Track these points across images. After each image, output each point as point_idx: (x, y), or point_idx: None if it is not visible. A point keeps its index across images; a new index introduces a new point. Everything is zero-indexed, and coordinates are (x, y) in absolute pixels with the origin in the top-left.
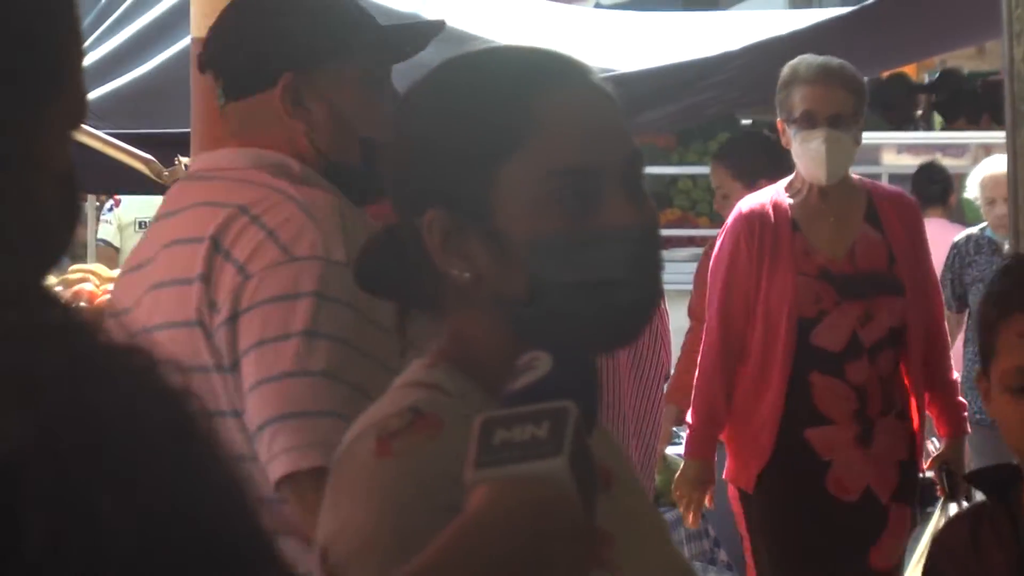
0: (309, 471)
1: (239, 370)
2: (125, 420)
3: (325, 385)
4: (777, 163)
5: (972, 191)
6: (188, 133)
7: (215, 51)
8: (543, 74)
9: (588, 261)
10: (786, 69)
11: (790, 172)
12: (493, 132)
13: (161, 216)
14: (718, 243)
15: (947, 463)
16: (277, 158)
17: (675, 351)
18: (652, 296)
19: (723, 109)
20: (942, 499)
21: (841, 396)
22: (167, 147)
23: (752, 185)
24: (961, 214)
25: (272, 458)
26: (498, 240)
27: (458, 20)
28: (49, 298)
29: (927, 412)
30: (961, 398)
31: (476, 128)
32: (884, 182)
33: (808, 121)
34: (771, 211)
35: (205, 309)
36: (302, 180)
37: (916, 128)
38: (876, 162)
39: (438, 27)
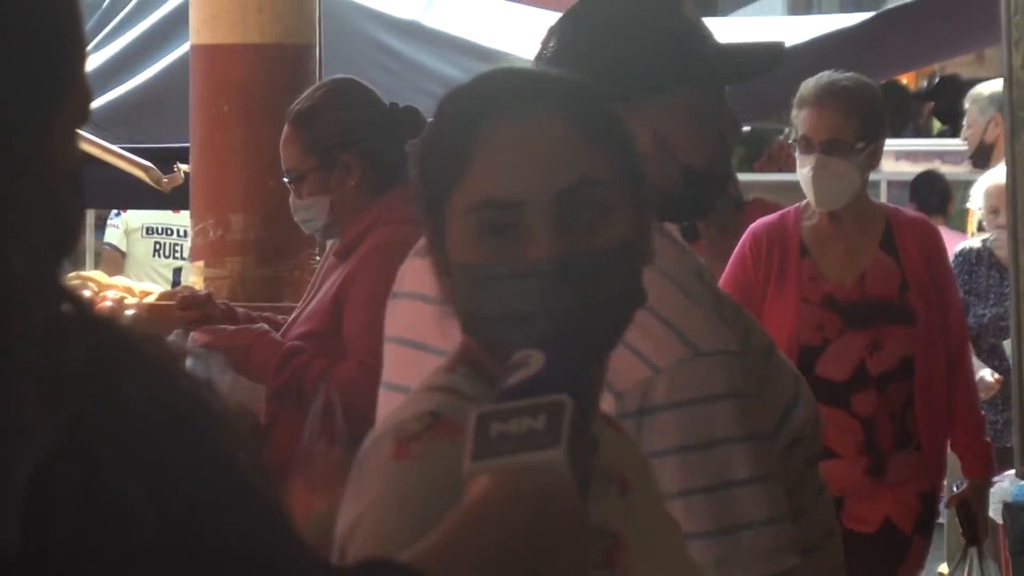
0: None
1: None
2: (151, 412)
3: (753, 493)
4: None
5: (976, 200)
6: (187, 148)
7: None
8: (493, 104)
9: (502, 293)
10: (801, 86)
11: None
12: (445, 163)
13: None
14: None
15: (968, 505)
16: None
17: None
18: (572, 330)
19: None
20: (964, 545)
21: (846, 428)
22: (167, 160)
23: None
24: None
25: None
26: (447, 267)
27: (458, 28)
28: (68, 293)
29: (952, 451)
30: (987, 438)
31: (437, 159)
32: (883, 189)
33: (805, 146)
34: (783, 233)
35: None
36: None
37: (916, 135)
38: (875, 169)
39: (779, 50)
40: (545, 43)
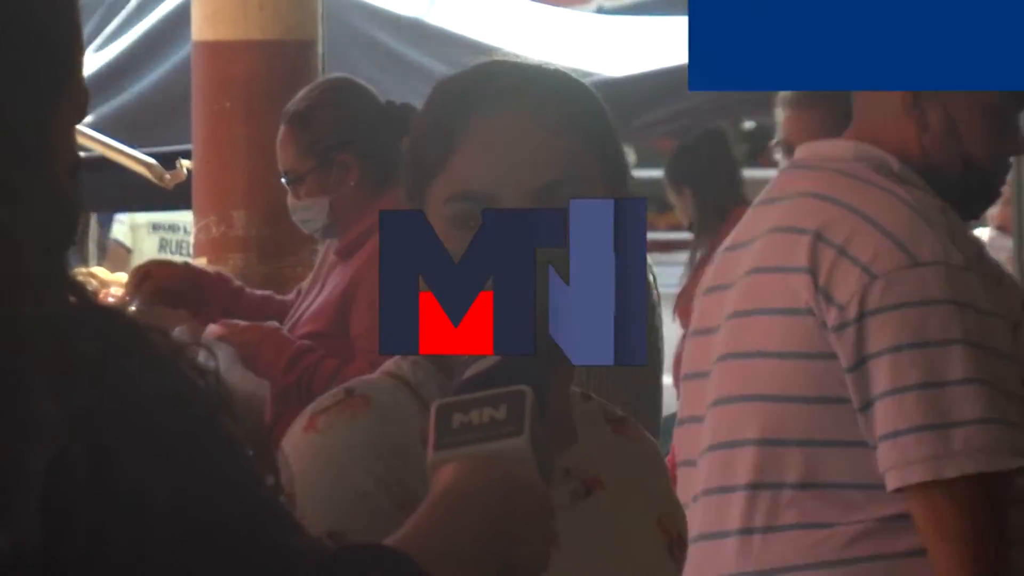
0: (949, 481)
1: (864, 370)
2: (161, 402)
3: (968, 392)
4: (695, 172)
5: None
6: (188, 150)
7: None
8: (475, 99)
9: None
10: None
11: (705, 177)
12: (429, 153)
13: (766, 201)
14: None
15: None
16: (878, 154)
17: (668, 356)
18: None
19: (722, 115)
20: None
21: None
22: (168, 162)
23: (679, 191)
24: None
25: (908, 464)
26: None
27: (462, 26)
28: (74, 286)
29: None
30: None
31: (422, 148)
32: None
33: (785, 150)
34: None
35: (821, 301)
36: (901, 179)
37: None
38: None
39: None
40: None
